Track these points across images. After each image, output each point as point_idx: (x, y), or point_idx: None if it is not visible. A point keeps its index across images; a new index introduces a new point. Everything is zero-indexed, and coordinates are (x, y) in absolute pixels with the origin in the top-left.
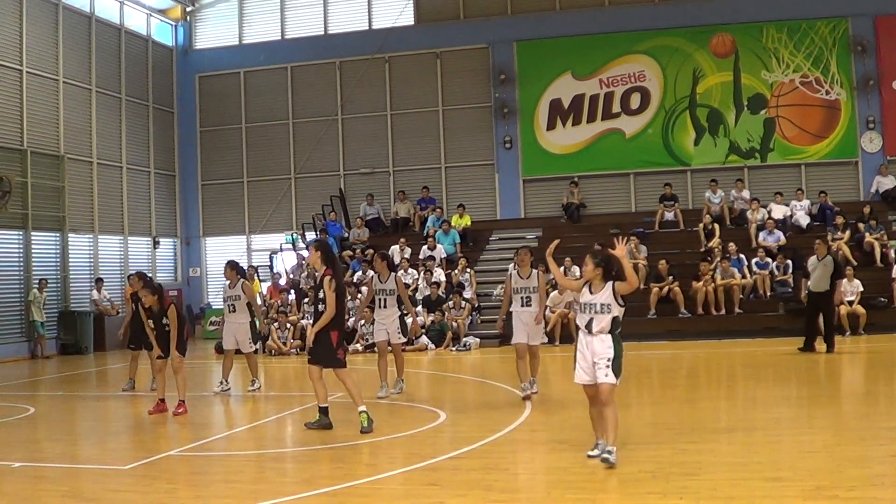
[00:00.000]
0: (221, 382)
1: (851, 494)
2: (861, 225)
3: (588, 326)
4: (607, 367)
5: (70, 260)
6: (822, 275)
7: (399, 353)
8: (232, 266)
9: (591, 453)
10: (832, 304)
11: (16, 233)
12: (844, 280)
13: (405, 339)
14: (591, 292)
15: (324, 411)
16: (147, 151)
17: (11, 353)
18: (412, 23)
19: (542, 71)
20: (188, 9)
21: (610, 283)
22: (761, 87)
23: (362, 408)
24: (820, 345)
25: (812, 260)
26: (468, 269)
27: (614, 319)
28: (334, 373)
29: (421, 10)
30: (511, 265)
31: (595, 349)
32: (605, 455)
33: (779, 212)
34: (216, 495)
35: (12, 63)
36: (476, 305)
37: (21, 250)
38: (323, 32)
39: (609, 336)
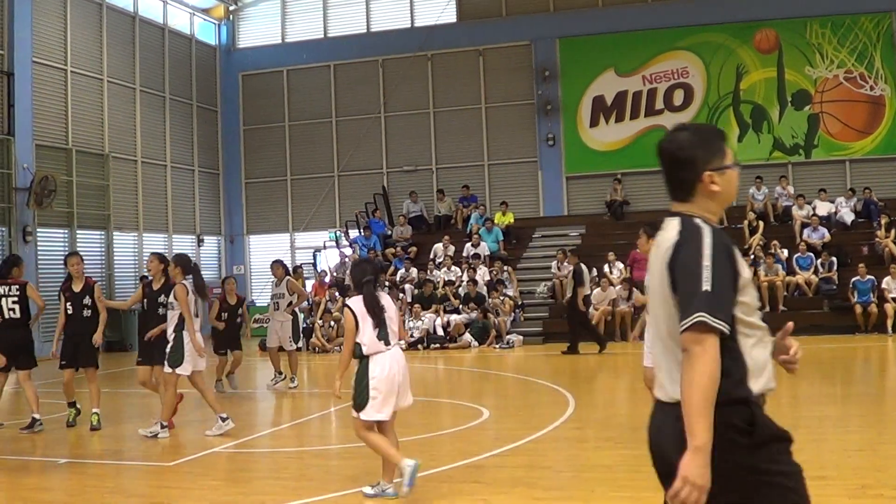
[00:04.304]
0: (291, 378)
1: None
2: None
3: None
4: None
5: (115, 258)
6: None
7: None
8: (280, 264)
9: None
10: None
11: (61, 231)
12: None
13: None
14: None
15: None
16: (191, 150)
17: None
18: (454, 20)
19: (585, 68)
20: (231, 8)
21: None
22: (805, 83)
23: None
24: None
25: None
26: (506, 268)
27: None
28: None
29: (463, 7)
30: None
31: None
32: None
33: (823, 209)
34: (260, 492)
35: (57, 63)
36: (519, 303)
37: (66, 248)
38: (365, 30)
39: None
